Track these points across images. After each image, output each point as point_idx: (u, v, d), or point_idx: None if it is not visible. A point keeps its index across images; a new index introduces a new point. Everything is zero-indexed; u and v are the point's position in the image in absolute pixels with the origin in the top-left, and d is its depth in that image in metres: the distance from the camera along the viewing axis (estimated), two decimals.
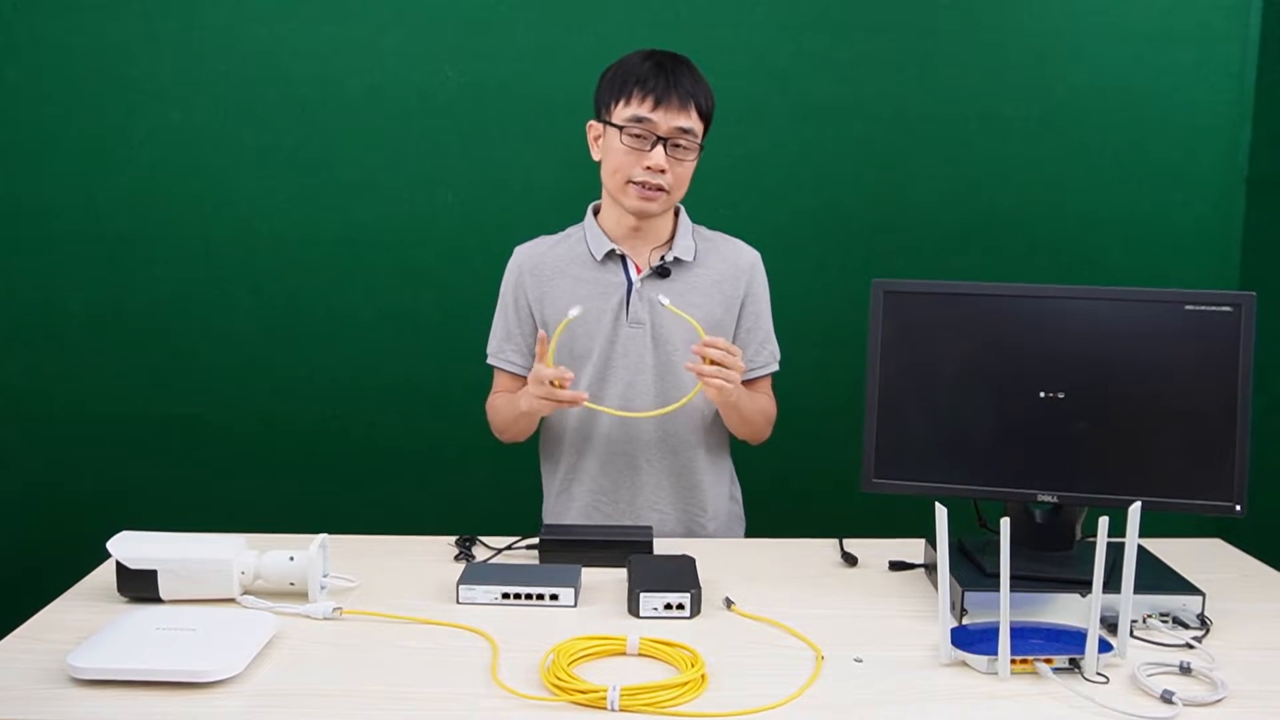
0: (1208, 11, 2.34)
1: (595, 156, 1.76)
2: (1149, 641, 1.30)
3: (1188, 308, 1.39)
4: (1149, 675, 1.20)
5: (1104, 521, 1.19)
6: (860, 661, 1.24)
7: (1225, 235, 2.40)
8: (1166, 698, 1.14)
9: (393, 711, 1.12)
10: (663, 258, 1.77)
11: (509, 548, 1.64)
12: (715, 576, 1.49)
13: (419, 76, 2.32)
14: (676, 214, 1.83)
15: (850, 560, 1.61)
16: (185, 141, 2.33)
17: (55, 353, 2.38)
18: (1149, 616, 1.35)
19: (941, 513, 1.21)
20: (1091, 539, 1.35)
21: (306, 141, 2.34)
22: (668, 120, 1.67)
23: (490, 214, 2.36)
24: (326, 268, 2.37)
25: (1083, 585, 1.33)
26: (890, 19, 2.33)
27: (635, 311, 1.76)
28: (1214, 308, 1.38)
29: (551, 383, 1.62)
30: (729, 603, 1.41)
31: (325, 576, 1.41)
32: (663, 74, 1.67)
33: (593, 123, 1.76)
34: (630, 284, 1.77)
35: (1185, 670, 1.22)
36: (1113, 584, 1.29)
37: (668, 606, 1.36)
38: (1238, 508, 1.37)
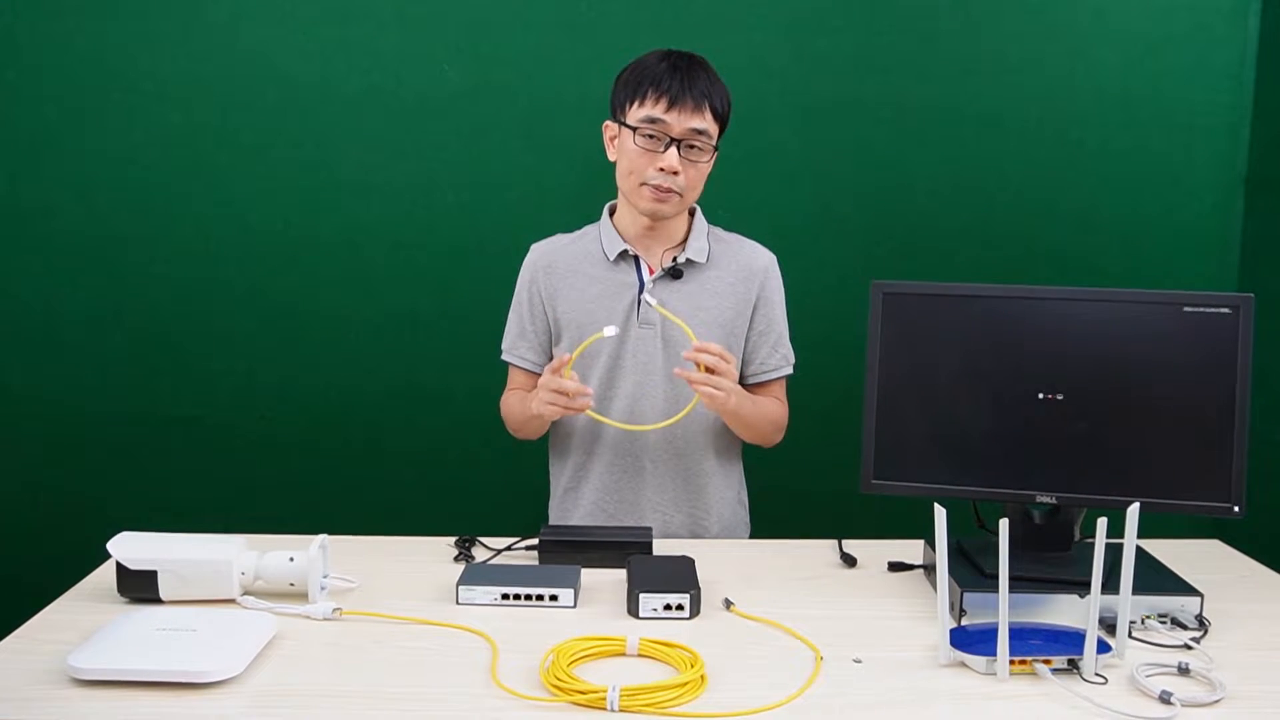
0: (1207, 13, 2.34)
1: (611, 157, 1.76)
2: (1147, 642, 1.30)
3: (1186, 309, 1.39)
4: (1147, 676, 1.20)
5: (1102, 522, 1.19)
6: (859, 662, 1.25)
7: (1224, 236, 2.41)
8: (1165, 698, 1.14)
9: (392, 712, 1.12)
10: (675, 259, 1.77)
11: (508, 548, 1.64)
12: (714, 577, 1.50)
13: (419, 77, 2.33)
14: (692, 215, 1.83)
15: (849, 561, 1.61)
16: (185, 142, 2.33)
17: (55, 353, 2.39)
18: (1147, 617, 1.35)
19: (940, 514, 1.21)
20: (1090, 540, 1.35)
21: (307, 142, 2.34)
22: (681, 121, 1.67)
23: (491, 215, 2.36)
24: (327, 268, 2.38)
25: (1081, 586, 1.34)
26: (890, 20, 2.33)
27: (646, 312, 1.76)
28: (1213, 309, 1.38)
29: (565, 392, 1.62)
30: (728, 603, 1.41)
31: (325, 577, 1.42)
32: (678, 75, 1.67)
33: (608, 123, 1.76)
34: (642, 284, 1.77)
35: (1184, 671, 1.22)
36: (1111, 585, 1.29)
37: (667, 607, 1.37)
38: (1236, 509, 1.38)
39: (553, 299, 1.81)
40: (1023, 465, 1.43)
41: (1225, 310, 1.38)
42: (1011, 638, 1.20)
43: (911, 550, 1.61)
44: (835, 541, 1.69)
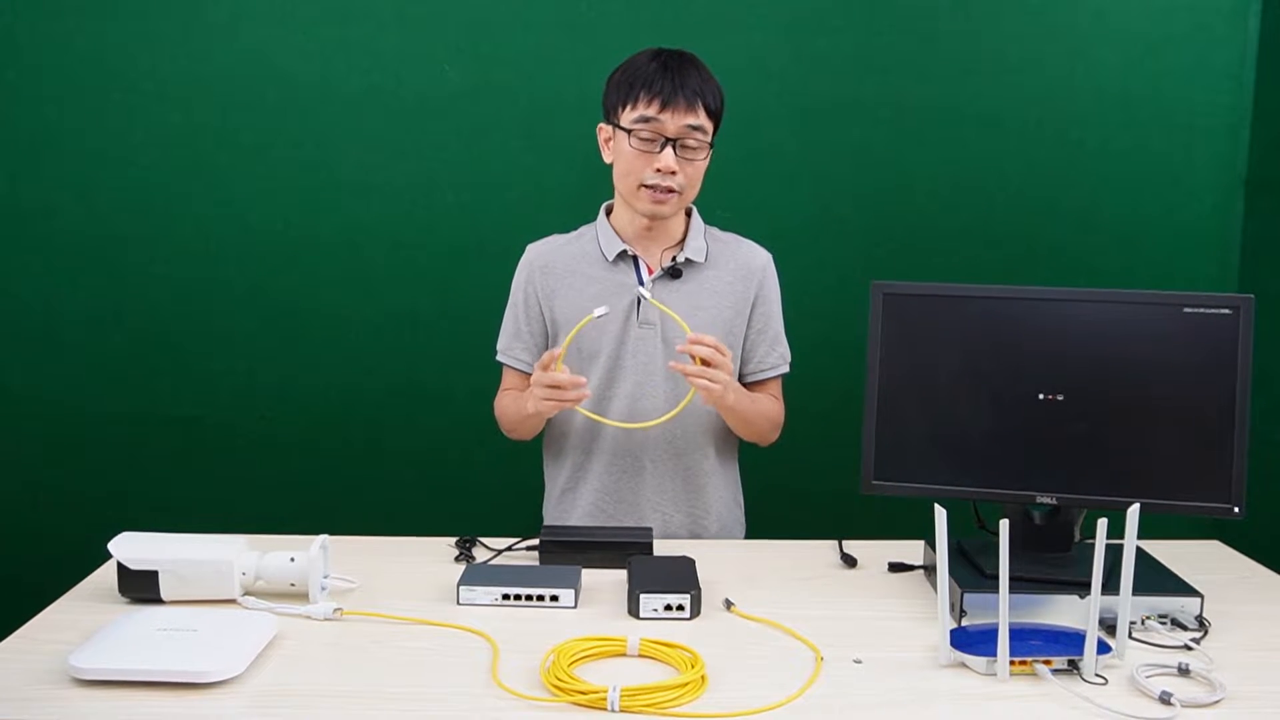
0: (1207, 14, 2.34)
1: (606, 159, 1.76)
2: (1147, 643, 1.31)
3: (1186, 310, 1.39)
4: (1147, 676, 1.20)
5: (1103, 523, 1.19)
6: (860, 662, 1.25)
7: (1224, 237, 2.41)
8: (1165, 699, 1.14)
9: (393, 712, 1.12)
10: (674, 259, 1.77)
11: (509, 549, 1.64)
12: (715, 577, 1.50)
13: (419, 77, 2.33)
14: (689, 214, 1.83)
15: (850, 562, 1.61)
16: (185, 142, 2.33)
17: (55, 352, 2.39)
18: (1147, 618, 1.35)
19: (941, 514, 1.21)
20: (1090, 540, 1.35)
21: (307, 142, 2.34)
22: (675, 120, 1.66)
23: (491, 215, 2.36)
24: (327, 268, 2.38)
25: (1081, 587, 1.34)
26: (889, 21, 2.33)
27: (646, 312, 1.76)
28: (1213, 310, 1.38)
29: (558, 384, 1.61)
30: (729, 604, 1.42)
31: (326, 577, 1.42)
32: (669, 74, 1.67)
33: (602, 125, 1.76)
34: (641, 284, 1.77)
35: (1184, 671, 1.22)
36: (1111, 585, 1.29)
37: (667, 607, 1.37)
38: (1236, 509, 1.38)
39: (550, 300, 1.81)
40: (1023, 466, 1.43)
41: (1225, 311, 1.38)
42: (1012, 638, 1.20)
43: (912, 551, 1.61)
44: (835, 542, 1.69)
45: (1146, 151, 2.38)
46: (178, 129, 2.32)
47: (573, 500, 1.84)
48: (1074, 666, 1.21)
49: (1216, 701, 1.15)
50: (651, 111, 1.66)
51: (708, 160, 1.74)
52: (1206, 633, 1.34)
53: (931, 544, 1.50)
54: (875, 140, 2.37)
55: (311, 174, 2.35)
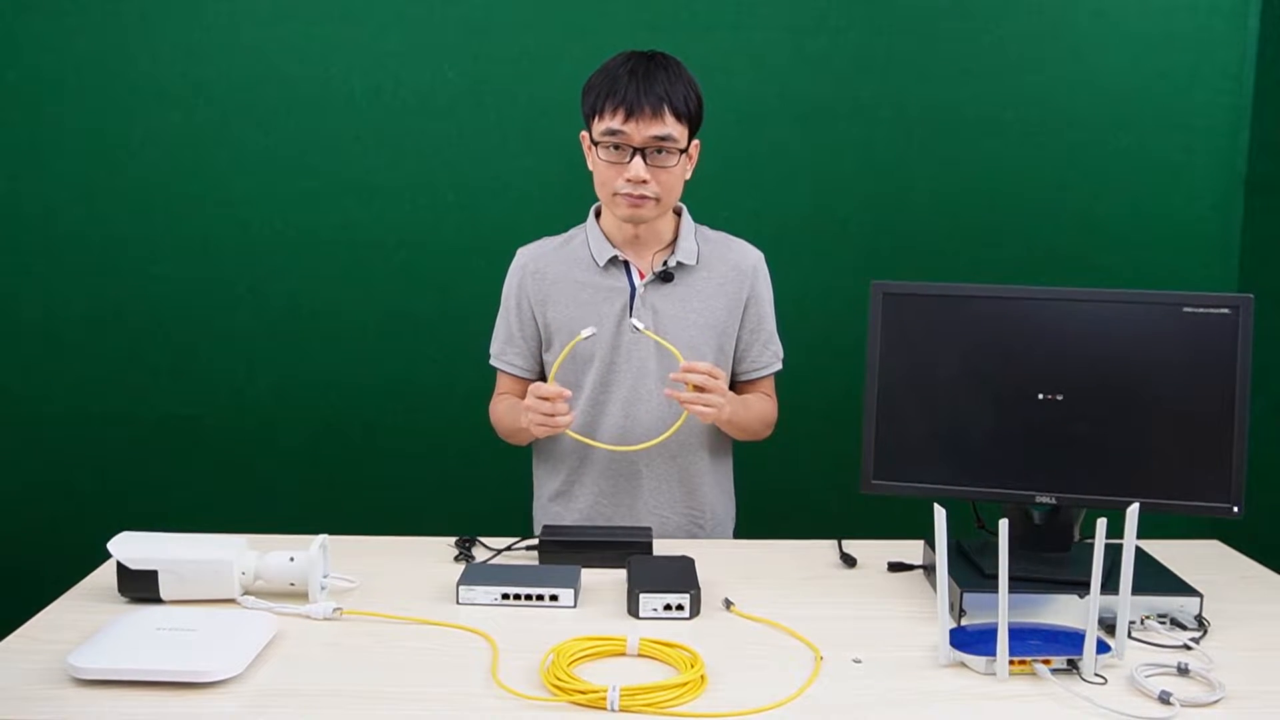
0: (1206, 14, 2.34)
1: (590, 166, 1.76)
2: (1147, 643, 1.31)
3: (1186, 310, 1.39)
4: (1147, 676, 1.20)
5: (1102, 523, 1.19)
6: (859, 662, 1.25)
7: (1224, 237, 2.41)
8: (1164, 699, 1.15)
9: (393, 712, 1.12)
10: (665, 262, 1.77)
11: (509, 548, 1.64)
12: (714, 577, 1.50)
13: (419, 78, 2.33)
14: (679, 215, 1.83)
15: (849, 561, 1.61)
16: (185, 142, 2.33)
17: (55, 353, 2.39)
18: (1147, 618, 1.35)
19: (940, 514, 1.21)
20: (1089, 540, 1.35)
21: (306, 143, 2.34)
22: (641, 130, 1.65)
23: (490, 215, 2.36)
24: (327, 269, 2.38)
25: (1081, 586, 1.34)
26: (889, 21, 2.33)
27: (638, 317, 1.76)
28: (1212, 310, 1.38)
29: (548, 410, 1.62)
30: (728, 603, 1.42)
31: (325, 577, 1.42)
32: (633, 82, 1.65)
33: (583, 133, 1.76)
34: (633, 289, 1.77)
35: (1183, 671, 1.22)
36: (1111, 585, 1.29)
37: (667, 607, 1.37)
38: (1235, 509, 1.38)
39: (543, 305, 1.81)
40: (1022, 465, 1.43)
41: (1225, 311, 1.38)
42: (1011, 638, 1.20)
43: (911, 550, 1.61)
44: (835, 542, 1.69)
45: (1146, 151, 2.38)
46: (177, 129, 2.32)
47: (567, 504, 1.84)
48: (1073, 666, 1.21)
49: (1216, 701, 1.16)
50: (617, 123, 1.65)
51: (688, 163, 1.73)
52: (1206, 632, 1.34)
53: (931, 544, 1.50)
54: (876, 140, 2.37)
55: (311, 174, 2.35)
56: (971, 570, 1.43)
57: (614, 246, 1.78)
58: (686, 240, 1.79)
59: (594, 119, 1.69)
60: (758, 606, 1.41)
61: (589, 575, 1.50)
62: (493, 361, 1.87)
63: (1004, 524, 1.19)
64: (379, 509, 2.39)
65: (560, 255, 1.82)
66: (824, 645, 1.28)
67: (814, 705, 1.15)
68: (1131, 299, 1.42)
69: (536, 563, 1.56)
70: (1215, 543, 1.73)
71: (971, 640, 1.24)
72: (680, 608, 1.37)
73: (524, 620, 1.35)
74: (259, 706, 1.12)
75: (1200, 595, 1.37)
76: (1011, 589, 1.20)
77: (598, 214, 1.83)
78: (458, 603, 1.41)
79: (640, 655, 1.24)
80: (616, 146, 1.67)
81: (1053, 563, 1.42)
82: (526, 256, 1.84)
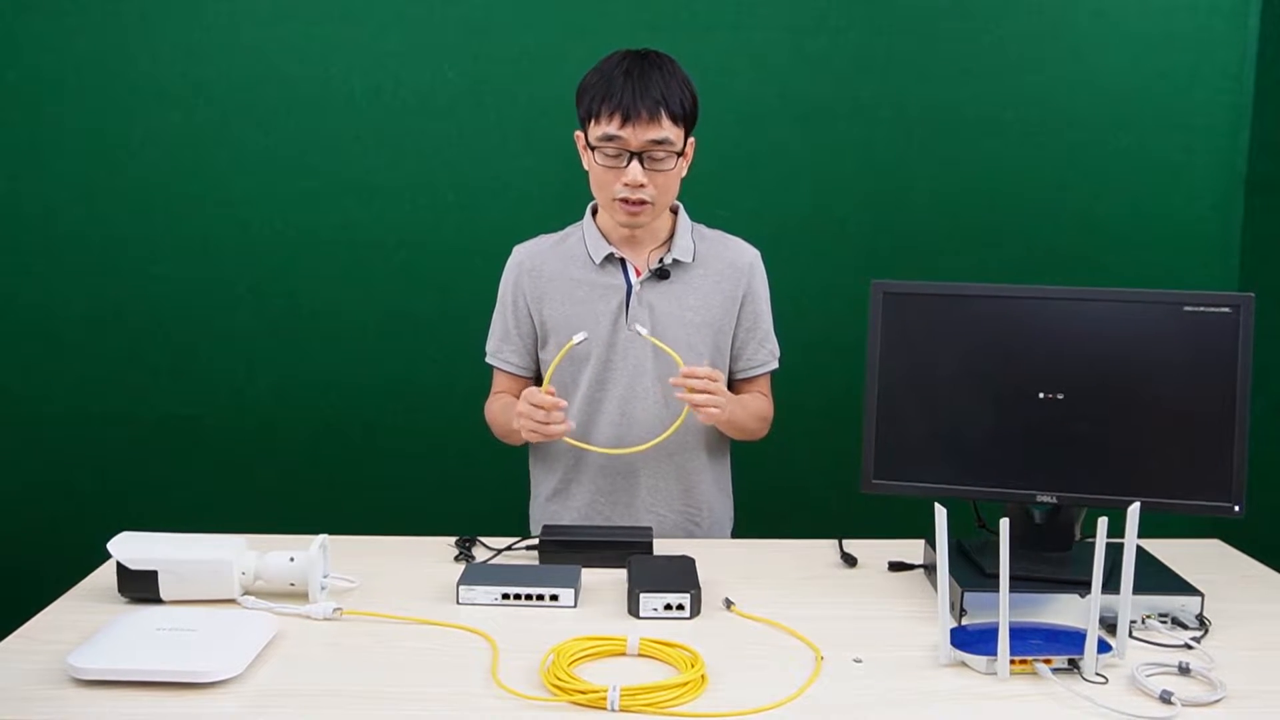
0: (1207, 14, 2.34)
1: (585, 167, 1.76)
2: (1148, 642, 1.30)
3: (1186, 309, 1.39)
4: (1148, 676, 1.20)
5: (1103, 522, 1.19)
6: (860, 662, 1.25)
7: (1224, 236, 2.41)
8: (1165, 698, 1.14)
9: (393, 712, 1.12)
10: (661, 260, 1.77)
11: (509, 548, 1.64)
12: (715, 577, 1.49)
13: (419, 77, 2.33)
14: (675, 213, 1.83)
15: (850, 561, 1.61)
16: (185, 142, 2.33)
17: (55, 353, 2.39)
18: (1148, 617, 1.35)
19: (941, 513, 1.21)
20: (1090, 540, 1.35)
21: (306, 142, 2.34)
22: (638, 135, 1.64)
23: (490, 215, 2.36)
24: (326, 268, 2.38)
25: (1082, 586, 1.33)
26: (890, 21, 2.33)
27: (635, 314, 1.76)
28: (1213, 309, 1.38)
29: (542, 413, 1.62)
30: (729, 603, 1.41)
31: (325, 577, 1.42)
32: (629, 85, 1.64)
33: (578, 133, 1.75)
34: (630, 287, 1.77)
35: (1184, 671, 1.22)
36: (1112, 585, 1.29)
37: (667, 607, 1.37)
38: (1236, 508, 1.37)
39: (539, 303, 1.81)
40: (1023, 465, 1.43)
41: (1225, 310, 1.38)
42: (1012, 637, 1.20)
43: (912, 550, 1.61)
44: (836, 541, 1.69)
45: (1146, 151, 2.38)
46: (178, 129, 2.32)
47: (564, 503, 1.84)
48: (1074, 665, 1.20)
49: (1217, 700, 1.15)
50: (613, 129, 1.65)
51: (682, 165, 1.73)
52: (1207, 632, 1.34)
53: (932, 543, 1.49)
54: (876, 140, 2.37)
55: (311, 174, 2.35)
56: (972, 570, 1.43)
57: (610, 244, 1.78)
58: (683, 238, 1.79)
59: (590, 122, 1.69)
60: (758, 606, 1.41)
61: (589, 575, 1.50)
62: (489, 359, 1.87)
63: (1005, 523, 1.19)
64: (379, 509, 2.39)
65: (557, 253, 1.82)
66: (824, 645, 1.28)
67: (814, 705, 1.14)
68: (1132, 298, 1.42)
69: (537, 563, 1.56)
70: (1216, 542, 1.73)
71: (972, 640, 1.24)
72: (681, 607, 1.37)
73: (524, 620, 1.35)
74: (259, 707, 1.12)
75: (1201, 595, 1.37)
76: (1012, 588, 1.19)
77: (594, 212, 1.83)
78: (458, 603, 1.40)
79: (640, 655, 1.24)
80: (614, 152, 1.67)
81: (1054, 562, 1.42)
82: (523, 254, 1.84)
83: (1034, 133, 2.37)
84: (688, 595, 1.37)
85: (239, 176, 2.34)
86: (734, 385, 1.84)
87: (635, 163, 1.66)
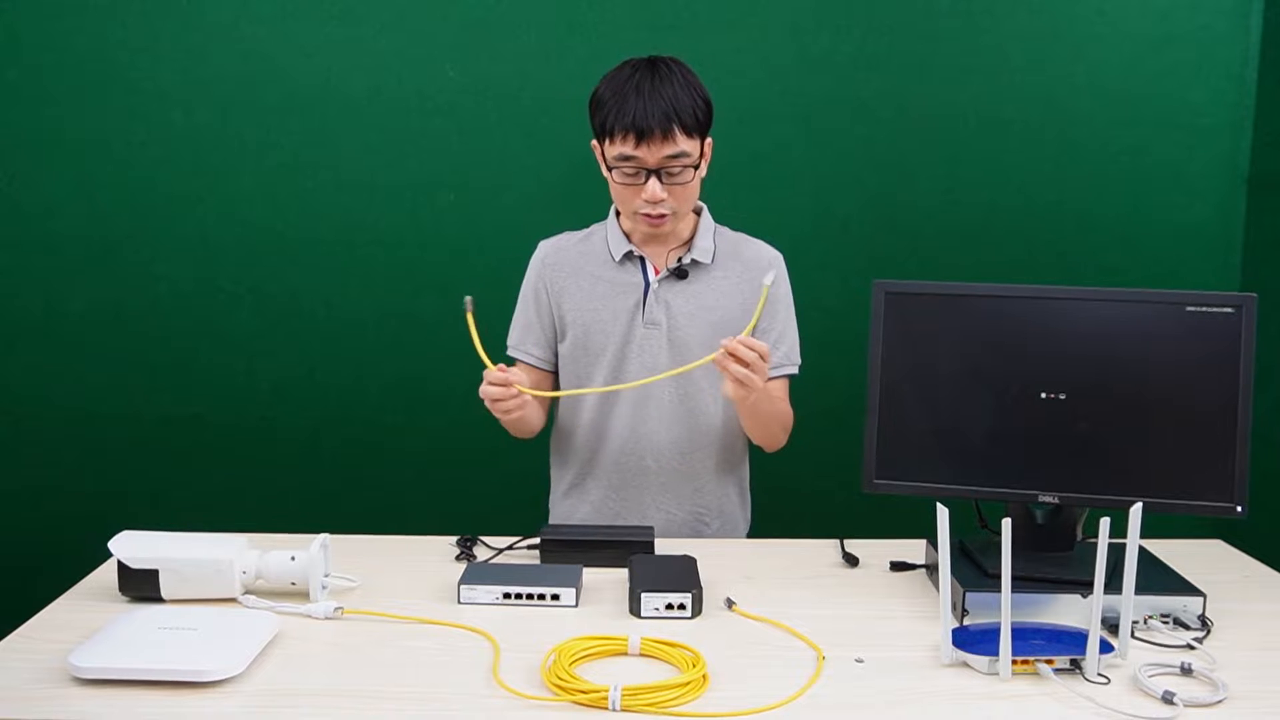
0: (1208, 13, 2.34)
1: (604, 175, 1.75)
2: (1150, 642, 1.30)
3: (1189, 309, 1.39)
4: (1150, 676, 1.20)
5: (1105, 522, 1.19)
6: (861, 662, 1.25)
7: (1226, 236, 2.40)
8: (1167, 698, 1.14)
9: (394, 711, 1.12)
10: (680, 259, 1.77)
11: (510, 548, 1.64)
12: (716, 577, 1.49)
13: (420, 77, 2.32)
14: (698, 214, 1.83)
15: (851, 561, 1.61)
16: (186, 142, 2.33)
17: (55, 353, 2.38)
18: (1150, 617, 1.35)
19: (943, 513, 1.21)
20: (1092, 540, 1.35)
21: (307, 142, 2.34)
22: (653, 153, 1.64)
23: (491, 214, 2.36)
24: (327, 268, 2.37)
25: (1084, 586, 1.33)
26: (891, 20, 2.33)
27: (651, 312, 1.76)
28: (1215, 309, 1.38)
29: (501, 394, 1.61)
30: (730, 603, 1.41)
31: (326, 576, 1.42)
32: (640, 101, 1.62)
33: (594, 143, 1.75)
34: (648, 284, 1.77)
35: (1186, 671, 1.22)
36: (1114, 585, 1.29)
37: (669, 606, 1.37)
38: (1239, 508, 1.37)
39: (559, 297, 1.81)
40: (1025, 465, 1.42)
41: (1228, 310, 1.38)
42: (1014, 637, 1.20)
43: (913, 550, 1.61)
44: (837, 541, 1.69)
45: (1148, 150, 2.38)
46: (178, 129, 2.32)
47: (580, 499, 1.85)
48: (1076, 666, 1.20)
49: (1219, 701, 1.15)
50: (628, 149, 1.64)
51: (699, 173, 1.72)
52: (1209, 632, 1.34)
53: (933, 543, 1.49)
54: (878, 139, 2.37)
55: (312, 174, 2.35)
56: (974, 570, 1.42)
57: (631, 243, 1.79)
58: (704, 239, 1.80)
59: (605, 140, 1.68)
60: (759, 606, 1.40)
61: (590, 574, 1.50)
62: (511, 351, 1.87)
63: (1006, 523, 1.19)
64: (380, 508, 2.39)
65: (579, 249, 1.83)
66: (826, 645, 1.28)
67: (816, 705, 1.14)
68: (1134, 298, 1.42)
69: (538, 562, 1.56)
70: (1218, 542, 1.73)
71: (974, 640, 1.24)
72: (682, 607, 1.37)
73: (525, 620, 1.35)
74: (260, 706, 1.12)
75: (1203, 595, 1.36)
76: (1014, 588, 1.19)
77: (619, 212, 1.83)
78: (459, 602, 1.40)
79: (642, 655, 1.24)
80: (632, 170, 1.67)
81: (1055, 562, 1.42)
82: (547, 249, 1.86)
83: (1036, 132, 2.37)
84: (689, 595, 1.37)
85: (239, 176, 2.34)
86: None
87: (654, 180, 1.66)
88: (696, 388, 1.79)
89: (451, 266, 2.38)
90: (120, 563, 1.37)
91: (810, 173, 2.38)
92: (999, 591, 1.19)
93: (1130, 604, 1.23)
